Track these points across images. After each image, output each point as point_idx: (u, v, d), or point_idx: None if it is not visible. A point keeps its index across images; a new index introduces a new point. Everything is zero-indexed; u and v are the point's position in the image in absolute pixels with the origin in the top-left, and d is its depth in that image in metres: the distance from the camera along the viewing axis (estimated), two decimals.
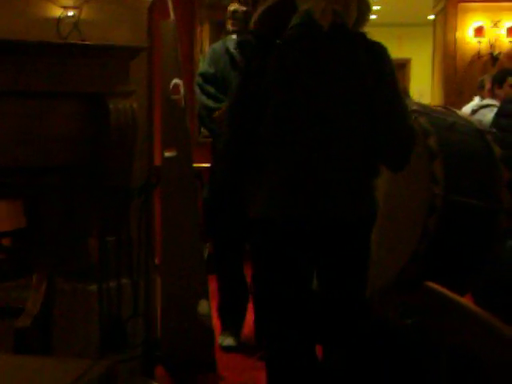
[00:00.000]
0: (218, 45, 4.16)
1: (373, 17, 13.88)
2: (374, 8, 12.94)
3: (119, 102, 3.41)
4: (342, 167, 2.39)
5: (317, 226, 2.38)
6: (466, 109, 6.51)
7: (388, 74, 2.44)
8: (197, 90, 4.03)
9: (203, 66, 4.22)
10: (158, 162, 3.81)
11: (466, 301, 1.33)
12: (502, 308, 3.49)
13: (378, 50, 2.45)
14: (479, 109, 5.72)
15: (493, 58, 9.25)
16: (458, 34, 9.40)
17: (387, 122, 2.43)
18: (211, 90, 3.94)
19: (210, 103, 3.90)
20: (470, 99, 7.25)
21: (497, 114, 4.77)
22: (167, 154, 3.59)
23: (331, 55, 2.40)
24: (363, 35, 2.49)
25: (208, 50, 4.63)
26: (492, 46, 9.22)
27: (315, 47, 2.41)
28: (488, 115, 5.15)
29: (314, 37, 2.41)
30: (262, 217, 2.43)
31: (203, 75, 4.03)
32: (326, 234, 2.40)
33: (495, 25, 9.23)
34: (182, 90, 3.58)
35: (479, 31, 9.26)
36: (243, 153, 2.48)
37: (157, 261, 3.81)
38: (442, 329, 1.33)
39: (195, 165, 4.53)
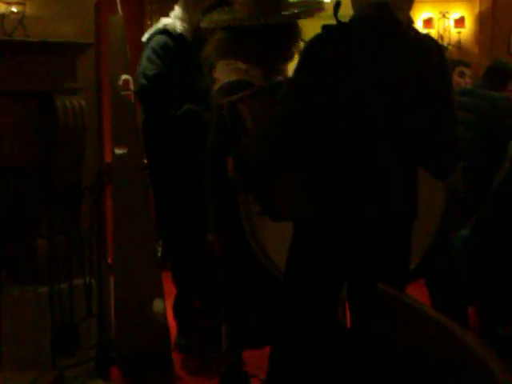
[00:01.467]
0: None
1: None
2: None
3: (66, 99, 3.34)
4: (400, 168, 2.36)
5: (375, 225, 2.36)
6: None
7: (451, 81, 2.48)
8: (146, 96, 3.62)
9: (152, 64, 3.65)
10: (109, 159, 3.75)
11: (419, 302, 1.32)
12: (452, 297, 3.53)
13: (443, 53, 2.44)
14: None
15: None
16: None
17: (445, 128, 2.45)
18: (172, 94, 3.61)
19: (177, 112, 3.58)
20: None
21: None
22: (118, 151, 3.52)
23: (407, 57, 2.35)
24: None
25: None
26: (441, 36, 9.30)
27: (394, 42, 2.34)
28: None
29: (395, 33, 2.33)
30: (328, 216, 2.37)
31: (157, 76, 3.60)
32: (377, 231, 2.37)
33: (443, 16, 9.32)
34: (131, 85, 3.52)
35: (428, 22, 9.33)
36: (288, 153, 2.41)
37: (109, 260, 3.75)
38: (396, 331, 1.32)
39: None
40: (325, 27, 2.29)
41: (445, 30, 9.30)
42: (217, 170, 2.83)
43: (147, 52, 3.60)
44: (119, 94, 3.50)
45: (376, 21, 2.30)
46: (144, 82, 3.54)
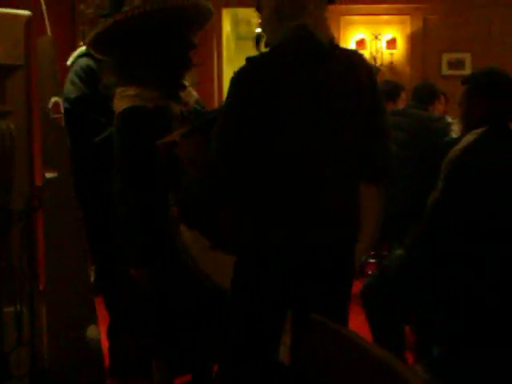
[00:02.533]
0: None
1: (257, 30, 13.97)
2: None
3: None
4: (340, 187, 2.35)
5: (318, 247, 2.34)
6: None
7: (382, 96, 2.49)
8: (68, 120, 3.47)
9: (74, 86, 3.65)
10: (40, 183, 3.66)
11: (353, 333, 1.30)
12: (386, 314, 3.54)
13: (372, 69, 2.44)
14: None
15: (375, 69, 9.47)
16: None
17: (379, 141, 2.48)
18: (95, 117, 3.56)
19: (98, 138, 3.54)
20: None
21: None
22: (48, 175, 3.44)
23: (335, 75, 2.34)
24: (359, 53, 2.48)
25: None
26: (373, 57, 9.45)
27: (319, 65, 2.32)
28: None
29: (317, 54, 2.32)
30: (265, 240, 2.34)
31: (79, 99, 3.60)
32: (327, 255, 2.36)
33: (376, 37, 9.47)
34: (62, 108, 3.45)
35: (360, 44, 9.49)
36: (231, 173, 2.38)
37: (41, 287, 3.65)
38: (329, 362, 1.30)
39: None
40: (248, 59, 2.30)
41: (377, 51, 9.46)
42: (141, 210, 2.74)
43: (70, 75, 3.56)
44: (49, 116, 3.42)
45: (297, 44, 2.32)
46: (66, 105, 3.48)
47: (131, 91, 2.89)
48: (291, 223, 2.31)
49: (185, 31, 2.97)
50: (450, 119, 5.93)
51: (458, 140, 3.21)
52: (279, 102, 2.26)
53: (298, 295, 2.41)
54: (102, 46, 3.06)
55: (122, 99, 2.91)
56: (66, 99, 3.52)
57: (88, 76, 3.55)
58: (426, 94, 5.12)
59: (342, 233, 2.39)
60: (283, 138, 2.28)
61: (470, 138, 3.02)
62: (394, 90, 5.94)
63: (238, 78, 2.32)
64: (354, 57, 2.43)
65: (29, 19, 3.51)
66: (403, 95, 5.80)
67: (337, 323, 1.35)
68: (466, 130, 3.23)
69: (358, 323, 4.22)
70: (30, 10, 3.63)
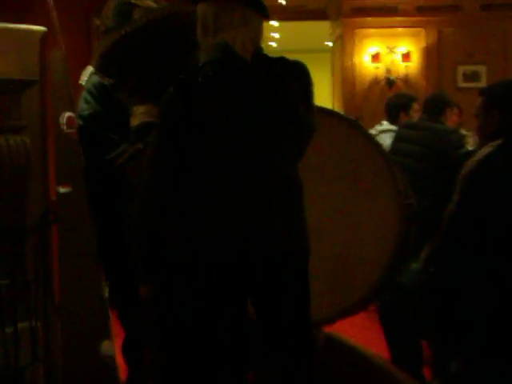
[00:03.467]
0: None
1: (272, 44, 14.03)
2: (274, 36, 13.08)
3: (11, 137, 3.26)
4: (275, 202, 2.34)
5: (254, 261, 2.32)
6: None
7: (312, 97, 2.44)
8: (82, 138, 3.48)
9: (87, 104, 3.63)
10: (54, 197, 3.66)
11: (367, 350, 1.28)
12: (403, 330, 3.51)
13: (304, 72, 2.41)
14: (378, 133, 5.80)
15: (389, 82, 9.47)
16: (356, 60, 9.59)
17: (306, 143, 2.47)
18: (107, 135, 3.50)
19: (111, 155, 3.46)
20: (369, 124, 7.36)
21: (395, 139, 4.86)
22: (62, 190, 3.44)
23: (262, 89, 2.33)
24: (284, 59, 2.43)
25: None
26: (388, 70, 9.45)
27: (244, 83, 2.32)
28: (387, 140, 5.22)
29: (241, 72, 2.32)
30: (200, 257, 2.34)
31: (92, 117, 3.58)
32: (264, 268, 2.34)
33: (391, 50, 9.47)
34: (75, 123, 3.45)
35: (376, 57, 9.49)
36: (166, 197, 2.38)
37: (56, 302, 3.64)
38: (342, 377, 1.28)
39: None
40: (173, 84, 2.31)
41: (392, 64, 9.45)
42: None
43: (83, 93, 3.57)
44: (62, 131, 3.43)
45: (219, 63, 2.31)
46: (80, 122, 3.49)
47: (141, 109, 2.90)
48: (226, 236, 2.30)
49: (184, 41, 2.93)
50: (464, 132, 5.90)
51: (473, 152, 3.18)
52: (203, 121, 2.27)
53: (258, 308, 2.41)
54: (107, 67, 3.05)
55: (134, 118, 2.92)
56: (80, 116, 3.53)
57: (100, 93, 3.54)
58: (436, 106, 5.09)
59: (281, 244, 2.36)
60: (212, 157, 2.29)
61: (486, 150, 2.99)
62: (406, 102, 5.93)
63: (162, 104, 2.34)
64: (281, 65, 2.40)
65: (44, 35, 3.51)
66: (415, 106, 5.77)
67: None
68: (482, 142, 3.20)
69: (375, 338, 4.19)
70: (45, 25, 3.64)
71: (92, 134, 3.52)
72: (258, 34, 2.40)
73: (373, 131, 6.39)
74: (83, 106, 3.56)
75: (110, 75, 3.14)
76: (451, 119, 5.91)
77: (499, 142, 2.96)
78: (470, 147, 5.12)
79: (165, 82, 2.51)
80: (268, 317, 2.43)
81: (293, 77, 2.36)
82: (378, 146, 3.32)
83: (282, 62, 2.43)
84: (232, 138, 2.29)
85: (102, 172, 3.55)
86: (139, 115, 2.90)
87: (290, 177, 2.41)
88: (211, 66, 2.32)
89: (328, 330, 3.43)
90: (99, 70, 3.05)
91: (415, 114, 5.69)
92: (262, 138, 2.31)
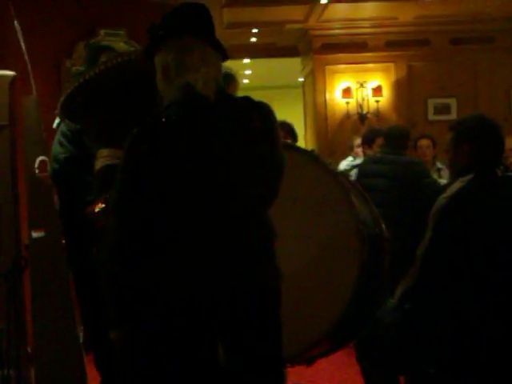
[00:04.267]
0: None
1: (245, 81, 14.12)
2: (246, 72, 13.17)
3: None
4: (244, 239, 2.33)
5: (225, 298, 2.31)
6: (342, 165, 6.67)
7: (278, 135, 2.44)
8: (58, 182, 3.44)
9: (61, 147, 3.56)
10: (26, 242, 3.62)
11: None
12: (380, 367, 3.49)
13: (268, 112, 2.42)
14: (352, 168, 5.85)
15: (361, 117, 9.56)
16: (327, 96, 9.67)
17: (275, 183, 2.45)
18: (84, 177, 3.40)
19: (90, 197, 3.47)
20: (342, 158, 7.42)
21: (358, 175, 4.92)
22: (35, 234, 3.41)
23: (226, 127, 2.34)
24: (249, 98, 2.45)
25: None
26: (359, 105, 9.53)
27: (208, 121, 2.33)
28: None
29: (204, 111, 2.33)
30: (170, 295, 2.32)
31: (68, 160, 3.50)
32: (235, 308, 2.33)
33: (361, 85, 9.56)
34: (48, 166, 3.43)
35: (347, 92, 9.57)
36: (135, 241, 2.36)
37: (29, 349, 3.58)
38: None
39: None
40: (137, 125, 2.33)
41: (363, 98, 9.54)
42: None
43: (57, 136, 3.54)
44: (35, 175, 3.41)
45: (182, 103, 2.33)
46: (56, 165, 3.46)
47: (105, 152, 2.89)
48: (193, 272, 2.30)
49: (143, 84, 2.92)
50: (439, 165, 5.96)
51: (445, 187, 3.19)
52: (168, 161, 2.28)
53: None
54: (70, 112, 3.04)
55: (98, 161, 2.91)
56: (56, 160, 3.50)
57: (74, 136, 3.52)
58: (399, 140, 5.12)
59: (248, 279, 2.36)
60: (179, 197, 2.29)
61: (456, 185, 3.00)
62: (369, 135, 6.02)
63: (128, 143, 2.34)
64: (243, 105, 2.42)
65: (13, 79, 3.51)
66: (379, 141, 5.80)
67: None
68: (453, 177, 3.21)
69: (354, 375, 4.17)
70: (15, 68, 3.64)
71: (69, 176, 3.48)
72: (219, 73, 2.41)
73: (342, 166, 6.46)
74: (58, 149, 3.53)
75: (73, 120, 3.13)
76: (423, 152, 5.98)
77: (470, 176, 2.98)
78: (444, 180, 5.17)
79: (128, 125, 2.51)
80: (239, 354, 2.40)
81: (256, 116, 2.37)
82: (335, 175, 3.36)
83: (245, 101, 2.44)
84: (197, 176, 2.29)
85: (79, 214, 3.51)
86: (102, 158, 2.89)
87: (259, 214, 2.40)
88: (174, 106, 2.33)
89: (305, 369, 3.42)
90: (62, 117, 3.04)
91: (378, 148, 5.74)
92: (228, 177, 2.31)
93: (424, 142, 6.05)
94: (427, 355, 2.86)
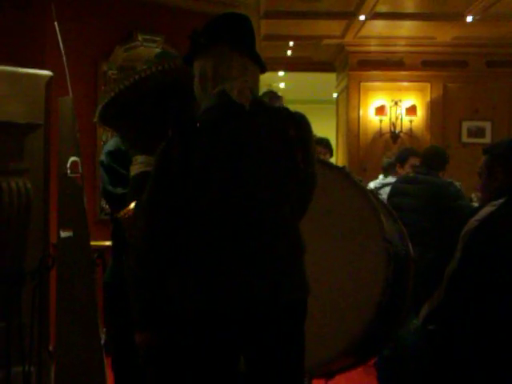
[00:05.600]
0: None
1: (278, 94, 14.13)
2: (280, 85, 13.19)
3: (12, 180, 3.26)
4: (275, 250, 2.32)
5: (254, 312, 2.29)
6: (372, 184, 6.64)
7: (313, 147, 2.44)
8: (102, 172, 3.30)
9: (113, 141, 3.75)
10: (55, 240, 3.65)
11: None
12: None
13: (305, 123, 2.42)
14: (382, 187, 5.82)
15: (394, 135, 9.52)
16: (361, 112, 9.65)
17: (307, 195, 2.45)
18: (122, 171, 3.52)
19: (119, 190, 3.47)
20: (373, 176, 7.38)
21: (390, 194, 4.89)
22: (63, 234, 3.44)
23: (260, 135, 2.33)
24: (286, 108, 2.45)
25: None
26: (393, 124, 9.49)
27: (242, 128, 2.32)
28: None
29: (239, 117, 2.33)
30: (197, 310, 2.31)
31: (112, 153, 3.62)
32: (261, 321, 2.31)
33: (395, 104, 9.52)
34: (80, 167, 3.46)
35: (380, 110, 9.54)
36: (165, 249, 2.36)
37: (51, 347, 3.60)
38: None
39: (96, 243, 4.36)
40: (172, 128, 2.33)
41: (397, 117, 9.50)
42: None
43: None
44: (66, 176, 3.44)
45: (217, 109, 2.32)
46: (102, 157, 3.47)
47: (140, 158, 2.91)
48: (219, 288, 2.28)
49: (182, 94, 2.94)
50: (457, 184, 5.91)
51: (477, 210, 3.16)
52: (199, 166, 2.28)
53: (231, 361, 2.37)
54: (107, 120, 3.06)
55: (133, 167, 2.93)
56: (103, 152, 3.53)
57: None
58: (436, 161, 5.09)
59: (276, 296, 2.33)
60: (209, 204, 2.28)
61: (488, 209, 2.98)
62: (403, 154, 5.98)
63: (158, 153, 2.34)
64: (279, 113, 2.41)
65: (50, 79, 3.55)
66: (412, 160, 5.76)
67: None
68: (485, 200, 3.19)
69: None
70: (53, 69, 3.68)
71: (107, 169, 3.48)
72: (255, 84, 2.42)
73: (373, 184, 6.43)
74: (110, 142, 3.55)
75: (111, 127, 3.15)
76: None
77: (502, 200, 2.95)
78: (475, 203, 5.13)
79: (163, 133, 2.52)
80: (265, 369, 2.39)
81: (291, 125, 2.37)
82: (365, 193, 3.35)
83: (280, 110, 2.45)
84: (228, 183, 2.29)
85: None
86: (138, 165, 2.90)
87: (291, 226, 2.39)
88: (209, 112, 2.34)
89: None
90: (100, 124, 3.06)
91: (410, 167, 5.70)
92: (259, 184, 2.31)
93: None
94: (450, 377, 2.83)
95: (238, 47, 2.39)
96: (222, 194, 2.28)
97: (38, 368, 3.30)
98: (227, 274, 2.28)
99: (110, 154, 3.44)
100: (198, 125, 2.32)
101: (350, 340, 3.18)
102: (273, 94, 6.36)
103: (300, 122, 2.41)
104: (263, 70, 2.48)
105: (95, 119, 2.85)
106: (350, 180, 3.37)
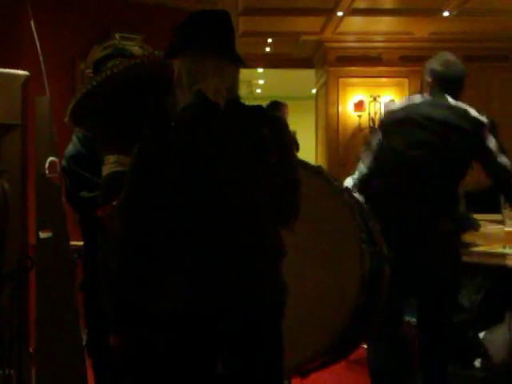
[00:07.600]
0: None
1: (257, 90, 14.14)
2: (259, 82, 13.19)
3: None
4: (252, 251, 2.32)
5: (231, 314, 2.29)
6: (348, 181, 6.61)
7: (290, 148, 2.44)
8: (65, 178, 3.40)
9: (73, 146, 3.48)
10: (33, 241, 3.62)
11: None
12: None
13: (280, 123, 2.42)
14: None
15: (373, 131, 9.54)
16: (340, 108, 9.67)
17: (289, 197, 2.44)
18: (86, 175, 3.36)
19: (85, 193, 3.33)
20: (352, 171, 7.38)
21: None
22: (42, 235, 3.41)
23: (234, 134, 2.33)
24: (261, 108, 2.45)
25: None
26: (372, 119, 9.52)
27: (217, 128, 2.32)
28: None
29: (213, 117, 2.33)
30: (176, 310, 2.30)
31: (74, 158, 3.41)
32: (239, 321, 2.31)
33: (374, 99, 9.55)
34: (58, 167, 3.43)
35: (359, 105, 9.57)
36: (143, 249, 2.35)
37: (31, 349, 3.58)
38: None
39: (75, 243, 4.32)
40: (147, 127, 2.32)
41: (376, 112, 9.53)
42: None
43: (73, 136, 3.53)
44: (44, 176, 3.41)
45: (193, 108, 2.33)
46: (63, 163, 3.45)
47: (112, 158, 2.88)
48: (193, 290, 2.28)
49: (151, 90, 2.91)
50: None
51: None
52: (175, 164, 2.27)
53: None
54: (78, 119, 3.03)
55: (105, 167, 2.90)
56: (64, 157, 3.50)
57: (86, 137, 3.52)
58: None
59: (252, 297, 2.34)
60: (188, 204, 2.28)
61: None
62: None
63: (139, 148, 2.34)
64: (253, 113, 2.41)
65: (26, 79, 3.51)
66: None
67: None
68: None
69: None
70: (29, 69, 3.65)
71: (71, 173, 3.46)
72: (234, 83, 2.41)
73: (351, 179, 6.41)
74: (70, 147, 3.53)
75: (82, 127, 3.12)
76: None
77: None
78: None
79: (136, 132, 2.51)
80: (244, 370, 2.39)
81: (264, 124, 2.36)
82: (340, 191, 3.35)
83: (255, 109, 2.45)
84: (203, 183, 2.28)
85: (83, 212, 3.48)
86: (110, 164, 2.88)
87: (270, 227, 2.39)
88: (185, 111, 2.34)
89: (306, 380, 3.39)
90: (71, 124, 3.03)
91: None
92: (233, 184, 2.30)
93: None
94: None
95: (213, 47, 2.38)
96: (200, 193, 2.28)
97: (18, 370, 3.27)
98: (207, 273, 2.27)
99: (72, 158, 3.42)
100: (172, 123, 2.32)
101: (327, 340, 3.18)
102: (277, 104, 7.06)
103: (274, 122, 2.41)
104: (242, 66, 2.47)
105: (66, 119, 2.82)
106: (324, 179, 3.37)
